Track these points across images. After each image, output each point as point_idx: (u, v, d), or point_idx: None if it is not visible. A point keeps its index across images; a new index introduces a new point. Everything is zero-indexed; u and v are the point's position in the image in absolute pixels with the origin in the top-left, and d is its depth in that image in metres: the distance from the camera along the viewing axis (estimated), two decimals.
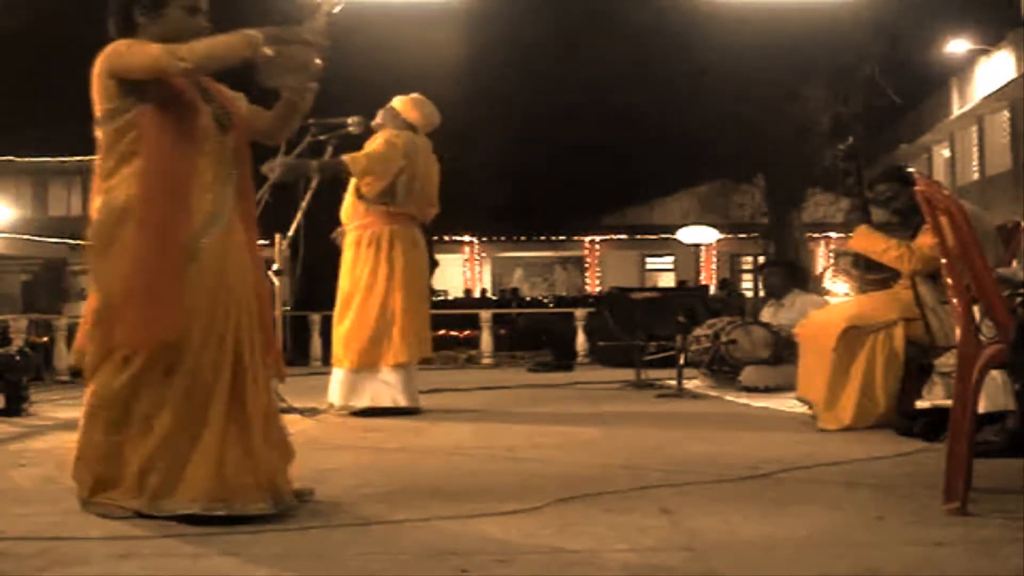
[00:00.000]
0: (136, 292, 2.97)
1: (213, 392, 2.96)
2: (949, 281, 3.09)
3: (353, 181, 5.76)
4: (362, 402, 5.66)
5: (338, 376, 5.78)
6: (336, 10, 3.38)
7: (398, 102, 5.86)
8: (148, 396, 2.97)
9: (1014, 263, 4.23)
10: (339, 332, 5.79)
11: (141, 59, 3.04)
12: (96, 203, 3.10)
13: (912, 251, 4.81)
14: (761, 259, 23.62)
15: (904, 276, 4.92)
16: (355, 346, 5.68)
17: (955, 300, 3.07)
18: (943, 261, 3.12)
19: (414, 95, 5.91)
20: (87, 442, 3.10)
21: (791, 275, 8.17)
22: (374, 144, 5.67)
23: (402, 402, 5.65)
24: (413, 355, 5.71)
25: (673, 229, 29.09)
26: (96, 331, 3.04)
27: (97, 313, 3.04)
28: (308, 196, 5.88)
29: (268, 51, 3.14)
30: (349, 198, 5.85)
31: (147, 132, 3.06)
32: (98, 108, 3.15)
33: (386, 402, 5.64)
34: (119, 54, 3.09)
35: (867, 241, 5.07)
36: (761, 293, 9.66)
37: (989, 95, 24.84)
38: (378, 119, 5.85)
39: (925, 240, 4.67)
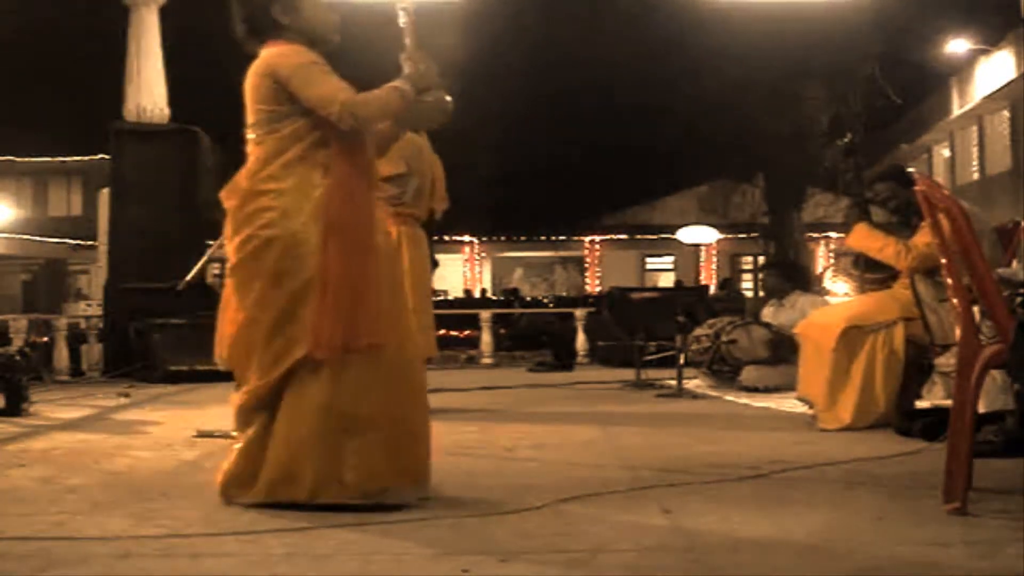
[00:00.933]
0: (346, 297, 3.07)
1: (414, 381, 3.19)
2: (949, 281, 3.09)
3: None
4: None
5: None
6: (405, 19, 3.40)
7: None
8: (351, 394, 3.04)
9: (1014, 263, 4.23)
10: None
11: (320, 91, 3.11)
12: (254, 203, 3.15)
13: (909, 248, 4.81)
14: (761, 259, 23.64)
15: (903, 275, 4.92)
16: None
17: (955, 300, 3.07)
18: (943, 261, 3.12)
19: None
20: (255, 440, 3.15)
21: (790, 276, 8.18)
22: None
23: None
24: (421, 355, 5.69)
25: (673, 229, 29.10)
26: (293, 335, 3.06)
27: (297, 316, 3.06)
28: None
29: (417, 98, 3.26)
30: None
31: (339, 145, 3.15)
32: (258, 110, 3.19)
33: None
34: (294, 65, 3.14)
35: (865, 239, 5.08)
36: (761, 293, 9.66)
37: (989, 95, 24.84)
38: None
39: (922, 238, 4.68)
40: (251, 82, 3.21)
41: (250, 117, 3.23)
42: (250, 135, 3.24)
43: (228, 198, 3.28)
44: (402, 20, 3.40)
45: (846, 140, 20.83)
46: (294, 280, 3.08)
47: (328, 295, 3.05)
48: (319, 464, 3.01)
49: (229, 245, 3.26)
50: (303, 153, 3.14)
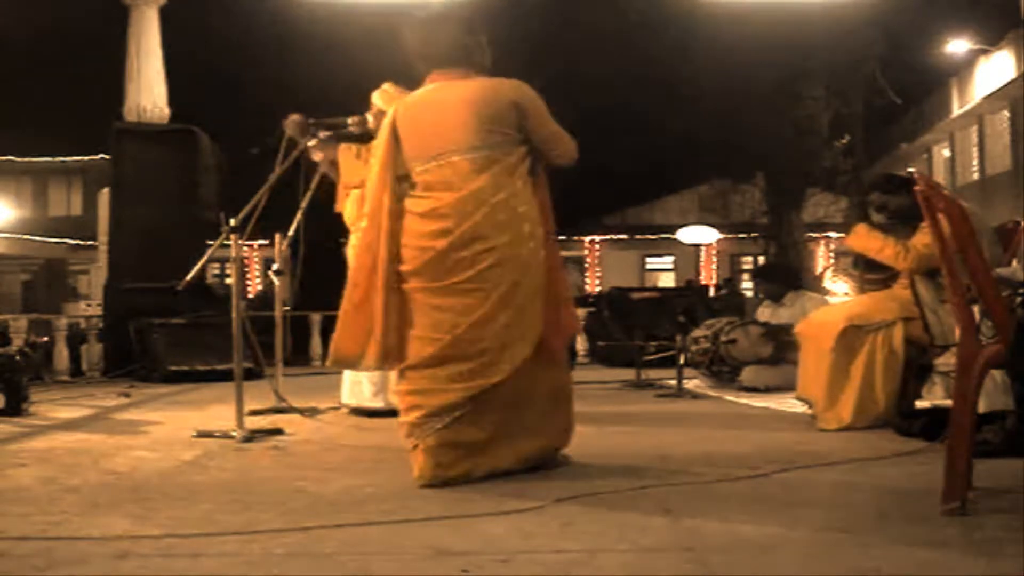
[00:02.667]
0: (565, 298, 3.86)
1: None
2: (948, 281, 3.09)
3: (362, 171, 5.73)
4: (375, 402, 5.64)
5: (349, 376, 5.76)
6: None
7: (378, 98, 5.75)
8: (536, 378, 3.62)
9: (1014, 263, 4.23)
10: None
11: (554, 128, 3.85)
12: (525, 228, 3.64)
13: (908, 249, 4.82)
14: (761, 259, 23.63)
15: (902, 275, 4.93)
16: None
17: (953, 299, 3.07)
18: (942, 261, 3.12)
19: (385, 88, 5.79)
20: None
21: (785, 278, 8.15)
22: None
23: None
24: None
25: (673, 229, 29.11)
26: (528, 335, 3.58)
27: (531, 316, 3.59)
28: (308, 196, 5.87)
29: None
30: (353, 199, 5.81)
31: (541, 174, 3.82)
32: (492, 131, 3.61)
33: (394, 402, 5.62)
34: (533, 98, 3.73)
35: (864, 240, 5.08)
36: (761, 295, 9.66)
37: (989, 95, 24.86)
38: (372, 123, 5.73)
39: (921, 238, 4.68)
40: (489, 106, 3.63)
41: (477, 138, 3.59)
42: (473, 154, 3.59)
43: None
44: None
45: (844, 141, 20.84)
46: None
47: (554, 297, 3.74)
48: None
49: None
50: (525, 177, 3.69)
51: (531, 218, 3.66)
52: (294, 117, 5.52)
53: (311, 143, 5.48)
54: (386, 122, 3.80)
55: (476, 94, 3.64)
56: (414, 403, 3.54)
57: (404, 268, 3.62)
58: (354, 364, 3.83)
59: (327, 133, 5.48)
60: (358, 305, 3.71)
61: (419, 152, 3.68)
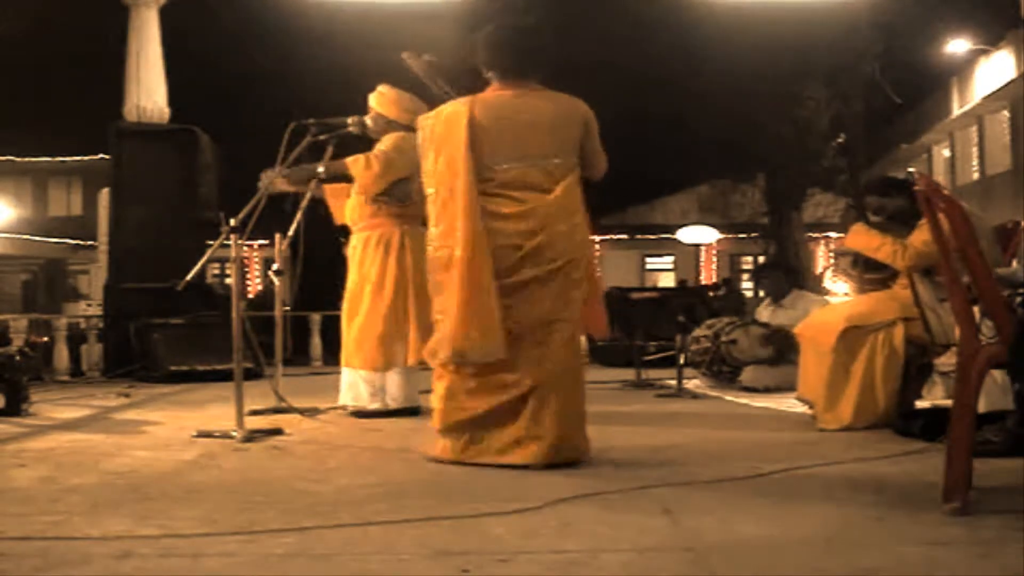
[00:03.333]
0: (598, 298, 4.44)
1: None
2: (948, 280, 3.09)
3: (359, 184, 5.73)
4: (373, 404, 5.64)
5: (349, 377, 5.76)
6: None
7: (375, 101, 5.76)
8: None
9: (1014, 263, 4.23)
10: (349, 333, 5.76)
11: (600, 150, 4.25)
12: (580, 234, 3.98)
13: (905, 247, 4.82)
14: (761, 259, 23.64)
15: (902, 275, 4.93)
16: (366, 347, 5.65)
17: (953, 299, 3.07)
18: (942, 261, 3.12)
19: (381, 89, 5.79)
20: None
21: (787, 277, 8.17)
22: (383, 145, 5.61)
23: (406, 403, 5.64)
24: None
25: (673, 229, 29.11)
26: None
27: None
28: (307, 196, 5.86)
29: None
30: (354, 199, 5.81)
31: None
32: (572, 149, 4.01)
33: (393, 404, 5.63)
34: (594, 120, 4.14)
35: (862, 239, 5.09)
36: (761, 293, 9.66)
37: (989, 95, 24.84)
38: (372, 124, 5.73)
39: (919, 236, 4.69)
40: (570, 119, 4.00)
41: (561, 148, 3.96)
42: (557, 160, 3.95)
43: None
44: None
45: (840, 140, 20.85)
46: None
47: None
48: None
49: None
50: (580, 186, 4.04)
51: (585, 224, 4.02)
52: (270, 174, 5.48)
53: (279, 183, 5.48)
54: (464, 122, 3.89)
55: (560, 107, 4.01)
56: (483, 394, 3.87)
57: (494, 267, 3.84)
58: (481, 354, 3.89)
59: (285, 184, 5.49)
60: (467, 301, 3.82)
61: (506, 152, 3.89)
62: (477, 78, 4.14)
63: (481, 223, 3.81)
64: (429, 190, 3.97)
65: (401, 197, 5.64)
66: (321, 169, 5.50)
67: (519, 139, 3.90)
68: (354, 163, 5.55)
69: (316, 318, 10.83)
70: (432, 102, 4.72)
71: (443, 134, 3.93)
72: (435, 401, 4.00)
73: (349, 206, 5.87)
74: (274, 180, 5.32)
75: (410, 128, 5.72)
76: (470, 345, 3.80)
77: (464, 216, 3.81)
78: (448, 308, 3.85)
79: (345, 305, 5.81)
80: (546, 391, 3.82)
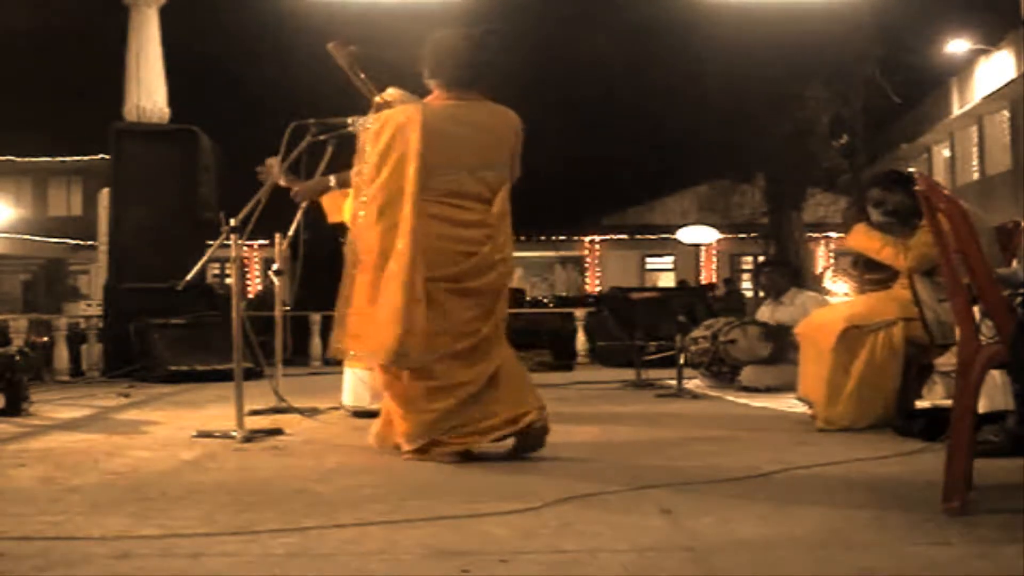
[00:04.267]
0: None
1: None
2: (948, 280, 3.09)
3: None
4: (373, 404, 5.63)
5: (351, 377, 5.75)
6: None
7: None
8: None
9: (1014, 263, 4.23)
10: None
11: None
12: (511, 246, 4.14)
13: (907, 248, 4.82)
14: (761, 259, 23.63)
15: (902, 275, 4.93)
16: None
17: (953, 299, 3.07)
18: (942, 261, 3.12)
19: (389, 92, 5.80)
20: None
21: (788, 274, 8.17)
22: None
23: None
24: None
25: (673, 229, 29.11)
26: None
27: None
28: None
29: None
30: (351, 199, 5.80)
31: None
32: (507, 156, 4.12)
33: None
34: None
35: (863, 239, 5.09)
36: (761, 293, 9.65)
37: (989, 95, 24.84)
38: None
39: (921, 238, 4.69)
40: (508, 131, 4.11)
41: (501, 158, 4.06)
42: (498, 172, 4.06)
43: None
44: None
45: (843, 141, 20.85)
46: None
47: None
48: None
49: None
50: None
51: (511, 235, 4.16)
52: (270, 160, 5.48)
53: (283, 181, 5.48)
54: (417, 127, 3.93)
55: (500, 119, 4.10)
56: (443, 394, 3.93)
57: (435, 272, 3.92)
58: (385, 357, 3.94)
59: (294, 181, 5.48)
60: (379, 303, 3.91)
61: (450, 162, 3.96)
62: (402, 76, 4.21)
63: (412, 228, 3.88)
64: (365, 189, 4.03)
65: None
66: (333, 182, 5.46)
67: (468, 150, 4.00)
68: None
69: (316, 318, 10.83)
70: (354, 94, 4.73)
71: (394, 136, 3.97)
72: (396, 419, 4.06)
73: (347, 205, 5.86)
74: (278, 178, 5.30)
75: None
76: (413, 346, 3.85)
77: (411, 219, 3.88)
78: (384, 307, 3.89)
79: None
80: (500, 377, 4.00)
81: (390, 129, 3.99)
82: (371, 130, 4.07)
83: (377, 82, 4.70)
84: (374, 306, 3.92)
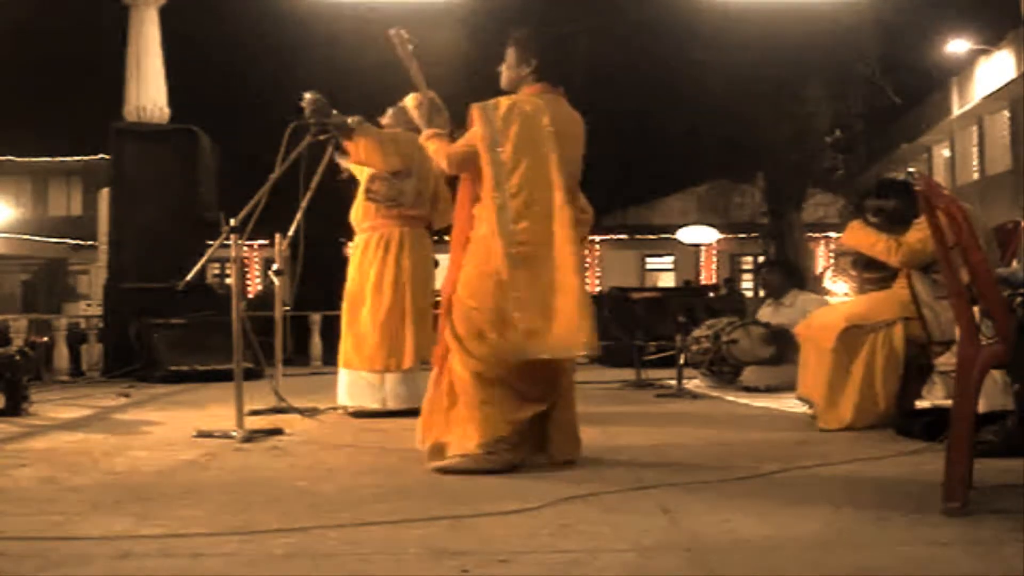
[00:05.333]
0: None
1: None
2: (947, 280, 3.09)
3: (363, 184, 5.76)
4: (372, 404, 5.64)
5: (347, 377, 5.76)
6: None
7: (411, 100, 5.79)
8: None
9: (1014, 263, 4.23)
10: (348, 334, 5.76)
11: None
12: None
13: (900, 244, 4.83)
14: (761, 259, 23.65)
15: (901, 274, 4.93)
16: (365, 348, 5.66)
17: (953, 299, 3.07)
18: (942, 260, 3.12)
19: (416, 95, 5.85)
20: None
21: (789, 274, 8.18)
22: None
23: (406, 403, 5.64)
24: (425, 357, 5.69)
25: (673, 229, 29.11)
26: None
27: None
28: (308, 196, 5.87)
29: None
30: (358, 200, 5.84)
31: None
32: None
33: (393, 404, 5.62)
34: None
35: (858, 236, 5.10)
36: (761, 293, 9.66)
37: (989, 95, 24.84)
38: (387, 118, 5.81)
39: (914, 234, 4.70)
40: (584, 134, 4.06)
41: (579, 159, 4.02)
42: (576, 173, 4.01)
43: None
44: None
45: (836, 136, 20.84)
46: None
47: None
48: None
49: None
50: None
51: None
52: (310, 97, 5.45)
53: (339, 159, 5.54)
54: (547, 116, 3.84)
55: (577, 119, 4.06)
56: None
57: None
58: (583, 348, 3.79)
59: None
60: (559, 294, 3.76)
61: (564, 155, 3.85)
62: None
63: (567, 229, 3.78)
64: (511, 186, 3.77)
65: (393, 196, 5.65)
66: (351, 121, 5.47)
67: (565, 144, 3.88)
68: (365, 128, 5.56)
69: (316, 318, 10.83)
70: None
71: (523, 124, 3.82)
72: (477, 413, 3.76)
73: (353, 207, 5.88)
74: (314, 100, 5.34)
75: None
76: (576, 340, 3.70)
77: (567, 208, 3.78)
78: (558, 300, 3.71)
79: (345, 305, 5.82)
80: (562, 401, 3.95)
81: (518, 116, 3.83)
82: (497, 114, 3.83)
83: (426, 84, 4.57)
84: (554, 298, 3.71)
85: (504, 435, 3.72)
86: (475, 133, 3.87)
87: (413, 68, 4.33)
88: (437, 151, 4.07)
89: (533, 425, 3.83)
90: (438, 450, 3.84)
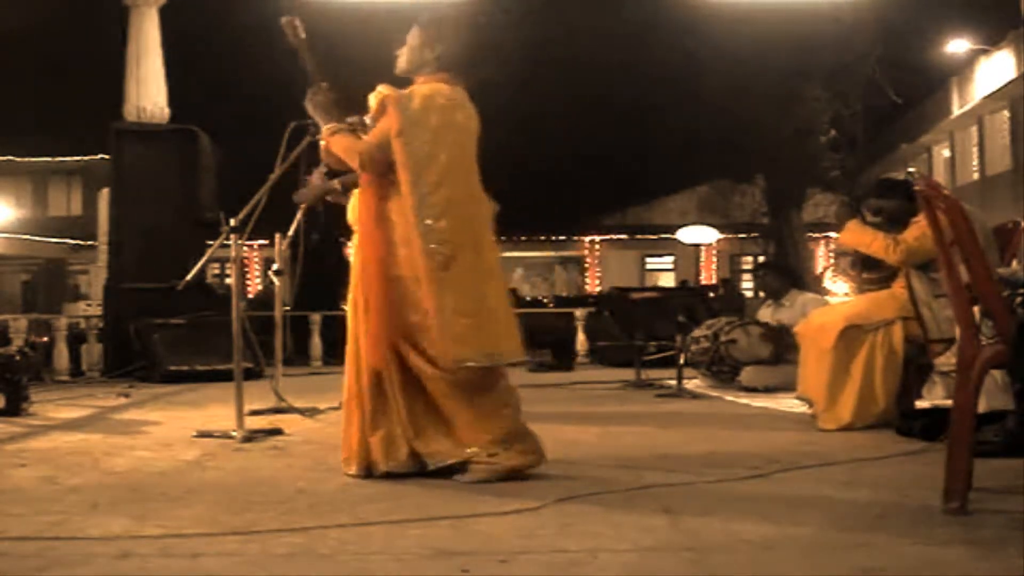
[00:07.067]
0: None
1: None
2: (946, 280, 3.09)
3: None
4: None
5: None
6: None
7: (376, 101, 5.74)
8: None
9: (1014, 263, 4.23)
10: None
11: None
12: None
13: (897, 242, 4.83)
14: (761, 259, 23.65)
15: (900, 273, 4.93)
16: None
17: (953, 299, 3.07)
18: (941, 260, 3.12)
19: (381, 89, 5.77)
20: None
21: (786, 276, 8.17)
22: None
23: None
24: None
25: (673, 229, 29.10)
26: None
27: None
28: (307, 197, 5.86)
29: None
30: (356, 199, 5.80)
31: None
32: None
33: None
34: None
35: (855, 234, 5.10)
36: (761, 294, 9.66)
37: (989, 95, 24.86)
38: (371, 123, 5.76)
39: (912, 232, 4.70)
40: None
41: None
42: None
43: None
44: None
45: (831, 136, 20.84)
46: None
47: None
48: None
49: None
50: None
51: None
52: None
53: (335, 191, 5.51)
54: (456, 107, 3.65)
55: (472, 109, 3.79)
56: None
57: None
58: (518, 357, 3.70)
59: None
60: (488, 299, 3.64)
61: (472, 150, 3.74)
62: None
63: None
64: (429, 183, 3.54)
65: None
66: (338, 186, 5.38)
67: (474, 145, 3.74)
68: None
69: (316, 318, 10.83)
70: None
71: (443, 127, 3.60)
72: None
73: (351, 206, 5.86)
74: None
75: None
76: (509, 346, 3.57)
77: (486, 204, 3.69)
78: (485, 304, 3.54)
79: (348, 306, 5.81)
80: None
81: (436, 109, 3.59)
82: (412, 104, 3.60)
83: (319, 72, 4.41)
84: (480, 302, 3.53)
85: (512, 429, 3.56)
86: (389, 125, 3.61)
87: (307, 58, 4.13)
88: (346, 149, 3.77)
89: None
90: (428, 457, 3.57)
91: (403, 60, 3.80)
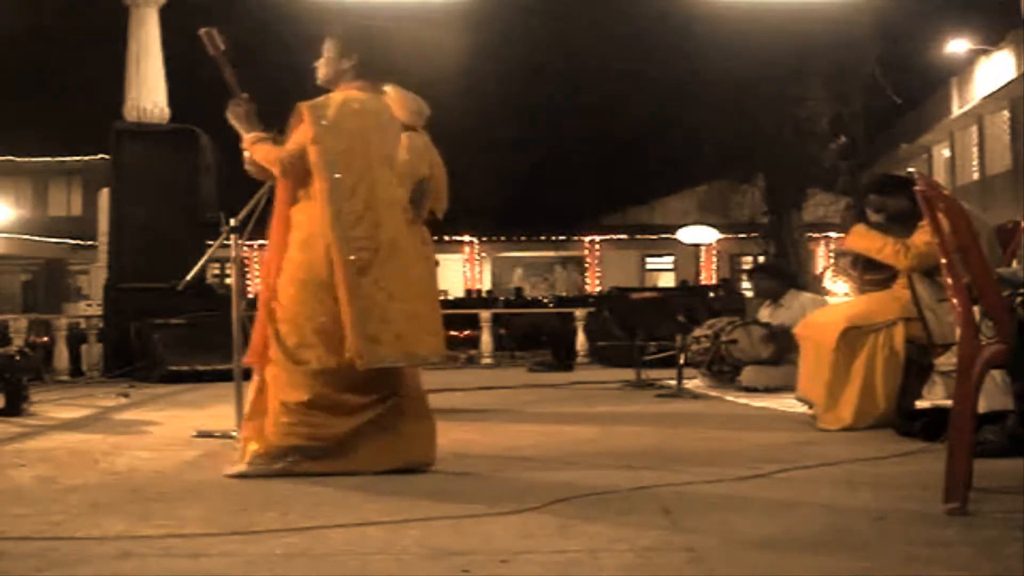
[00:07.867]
0: None
1: None
2: (949, 281, 3.09)
3: None
4: None
5: None
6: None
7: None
8: None
9: (1014, 263, 4.23)
10: None
11: None
12: None
13: (908, 248, 4.82)
14: (761, 259, 23.65)
15: (901, 274, 4.93)
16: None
17: (954, 300, 3.07)
18: (943, 261, 3.12)
19: (385, 90, 5.75)
20: None
21: (780, 277, 8.14)
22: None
23: None
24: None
25: (673, 229, 29.08)
26: None
27: None
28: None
29: None
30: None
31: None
32: None
33: None
34: None
35: (863, 240, 5.09)
36: (758, 293, 9.65)
37: (989, 95, 24.86)
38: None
39: (921, 237, 4.69)
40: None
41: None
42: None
43: None
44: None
45: (842, 142, 20.84)
46: None
47: None
48: None
49: None
50: None
51: None
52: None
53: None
54: (387, 117, 3.80)
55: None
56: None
57: None
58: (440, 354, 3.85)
59: None
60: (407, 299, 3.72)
61: (389, 157, 3.79)
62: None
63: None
64: (345, 189, 3.63)
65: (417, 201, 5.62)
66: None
67: (394, 148, 3.80)
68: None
69: None
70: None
71: (357, 132, 3.71)
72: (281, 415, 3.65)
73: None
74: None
75: (413, 130, 5.71)
76: (427, 346, 3.69)
77: (393, 208, 3.72)
78: (402, 306, 3.63)
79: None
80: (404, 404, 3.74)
81: (350, 114, 3.70)
82: (327, 112, 3.68)
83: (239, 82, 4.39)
84: (398, 304, 3.62)
85: (300, 444, 3.61)
86: (304, 133, 3.70)
87: (225, 69, 4.16)
88: (267, 156, 3.84)
89: (373, 432, 3.65)
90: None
91: (321, 71, 3.91)
